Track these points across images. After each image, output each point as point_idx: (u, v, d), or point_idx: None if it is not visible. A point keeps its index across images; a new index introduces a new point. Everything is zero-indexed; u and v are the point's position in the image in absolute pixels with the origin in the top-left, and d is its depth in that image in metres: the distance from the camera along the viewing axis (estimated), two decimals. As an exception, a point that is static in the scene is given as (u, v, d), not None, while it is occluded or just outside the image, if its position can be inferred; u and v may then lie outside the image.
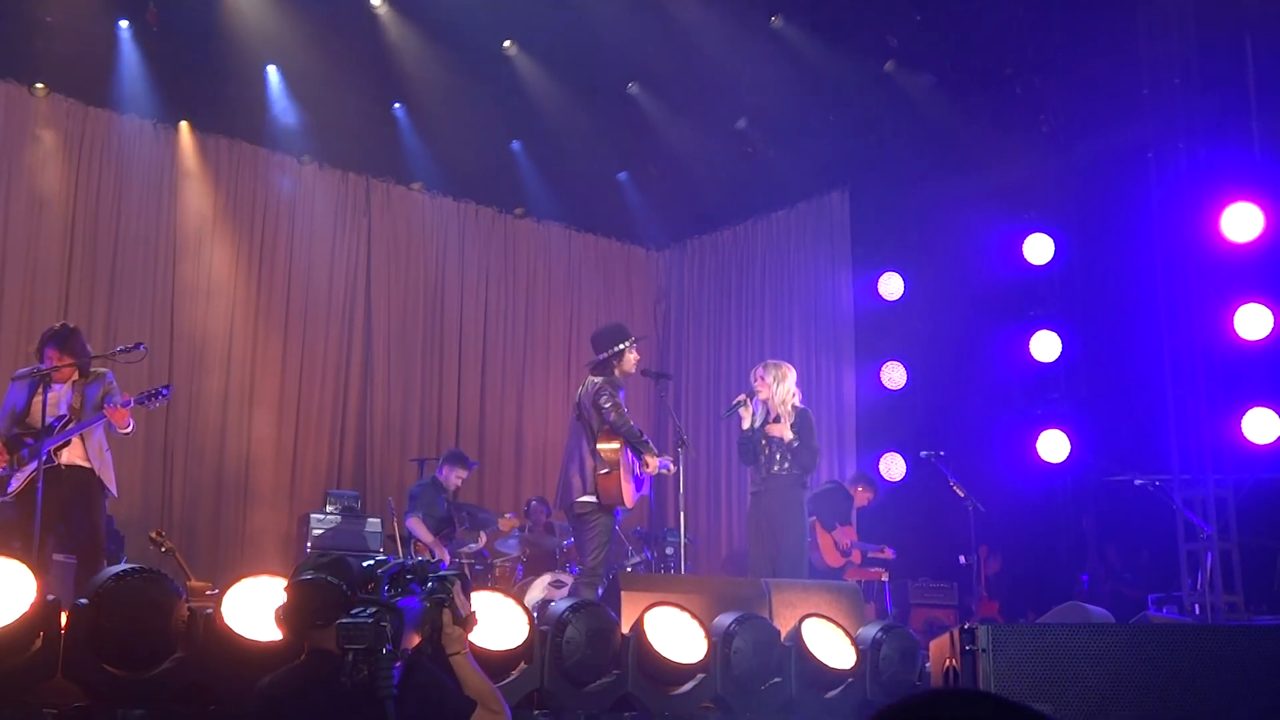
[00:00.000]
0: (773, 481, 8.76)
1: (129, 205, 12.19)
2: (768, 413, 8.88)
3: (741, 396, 9.01)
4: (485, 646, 5.46)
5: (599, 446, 8.13)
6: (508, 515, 11.00)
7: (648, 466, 8.23)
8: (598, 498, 8.10)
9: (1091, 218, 11.62)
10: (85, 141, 12.01)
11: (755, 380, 8.97)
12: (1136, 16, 10.88)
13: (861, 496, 11.89)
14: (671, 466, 8.77)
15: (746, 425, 8.91)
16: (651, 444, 8.33)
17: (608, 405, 8.11)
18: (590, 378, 8.38)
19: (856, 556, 11.08)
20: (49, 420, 7.57)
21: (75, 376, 7.82)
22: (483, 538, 10.85)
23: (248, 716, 3.64)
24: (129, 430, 7.85)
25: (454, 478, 10.95)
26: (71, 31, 11.12)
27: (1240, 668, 4.38)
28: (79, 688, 4.87)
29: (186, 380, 12.07)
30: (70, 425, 7.64)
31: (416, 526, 10.56)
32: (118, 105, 12.08)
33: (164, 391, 8.12)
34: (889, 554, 11.32)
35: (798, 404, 8.88)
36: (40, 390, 7.64)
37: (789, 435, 8.71)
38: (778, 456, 8.75)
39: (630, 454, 8.18)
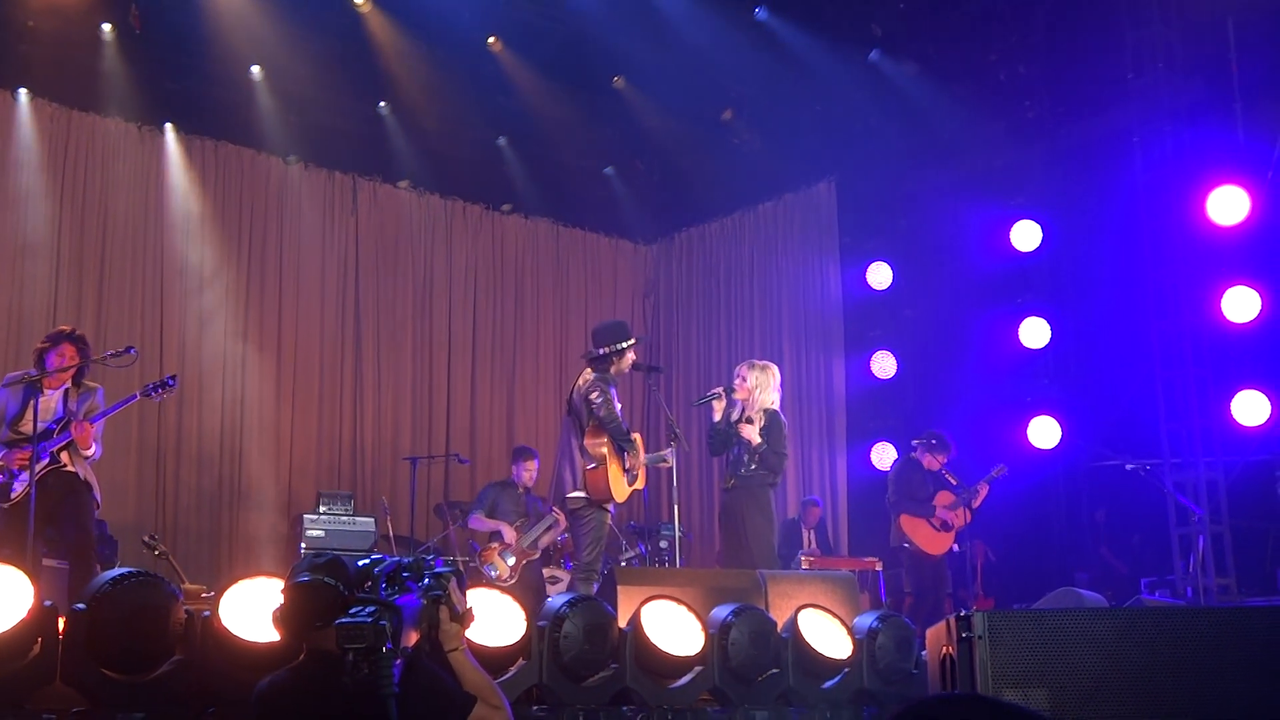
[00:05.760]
0: (740, 482, 8.77)
1: (116, 209, 12.14)
2: (742, 410, 8.89)
3: (718, 390, 9.03)
4: (483, 643, 5.46)
5: (586, 442, 8.16)
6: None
7: (629, 467, 8.25)
8: (587, 493, 8.13)
9: (1078, 203, 11.65)
10: (71, 146, 11.96)
11: (737, 377, 8.97)
12: (1119, 1, 10.91)
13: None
14: (670, 459, 8.79)
15: (717, 418, 8.94)
16: (637, 444, 8.34)
17: (598, 400, 8.13)
18: (585, 372, 8.41)
19: (958, 519, 10.23)
20: (46, 425, 7.53)
21: (68, 384, 7.76)
22: (560, 517, 10.82)
23: (247, 718, 3.64)
24: (91, 453, 7.70)
25: (523, 472, 10.99)
26: (54, 36, 11.09)
27: (1234, 649, 4.40)
28: (78, 693, 4.87)
29: (177, 384, 12.03)
30: (69, 428, 7.59)
31: (476, 521, 10.79)
32: (102, 109, 12.03)
33: (169, 382, 8.07)
34: (988, 486, 10.32)
35: (770, 407, 8.87)
36: (35, 395, 7.57)
37: (756, 439, 8.71)
38: (745, 458, 8.76)
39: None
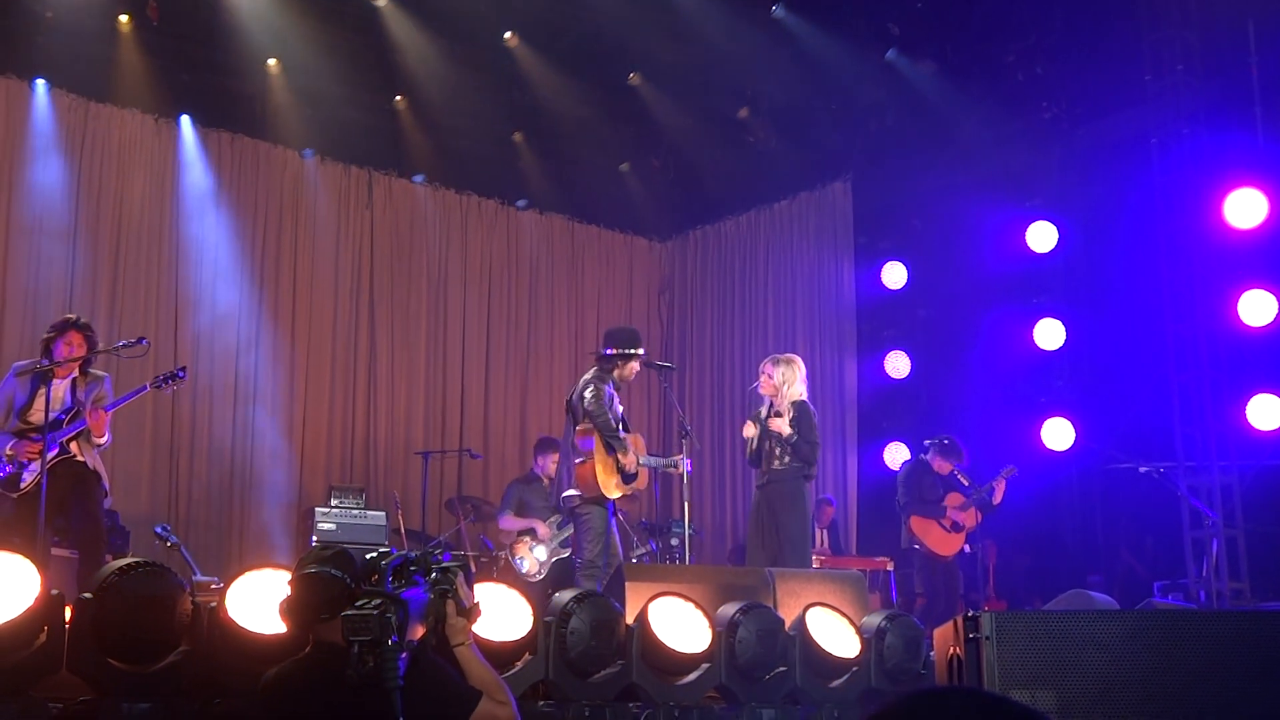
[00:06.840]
0: (774, 476, 8.75)
1: (131, 200, 12.16)
2: (770, 406, 8.88)
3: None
4: (490, 638, 5.46)
5: (576, 438, 8.25)
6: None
7: (622, 465, 8.23)
8: (578, 489, 8.15)
9: (1094, 205, 11.60)
10: (88, 137, 11.98)
11: (762, 374, 8.96)
12: (1138, 2, 10.86)
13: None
14: (680, 465, 8.73)
15: (749, 434, 8.86)
16: (629, 444, 8.33)
17: (589, 396, 8.23)
18: (589, 371, 8.48)
19: (969, 519, 10.29)
20: (55, 414, 7.54)
21: (76, 373, 7.78)
22: None
23: (253, 709, 3.65)
24: (104, 441, 7.76)
25: (549, 464, 10.81)
26: (72, 26, 11.13)
27: (1246, 654, 4.36)
28: (84, 682, 4.88)
29: (190, 375, 12.01)
30: (79, 418, 7.61)
31: (506, 522, 10.68)
32: (119, 100, 12.05)
33: (179, 374, 8.09)
34: (1005, 482, 10.34)
35: (799, 399, 8.85)
36: (44, 385, 7.60)
37: (787, 430, 8.70)
38: (777, 451, 8.74)
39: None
